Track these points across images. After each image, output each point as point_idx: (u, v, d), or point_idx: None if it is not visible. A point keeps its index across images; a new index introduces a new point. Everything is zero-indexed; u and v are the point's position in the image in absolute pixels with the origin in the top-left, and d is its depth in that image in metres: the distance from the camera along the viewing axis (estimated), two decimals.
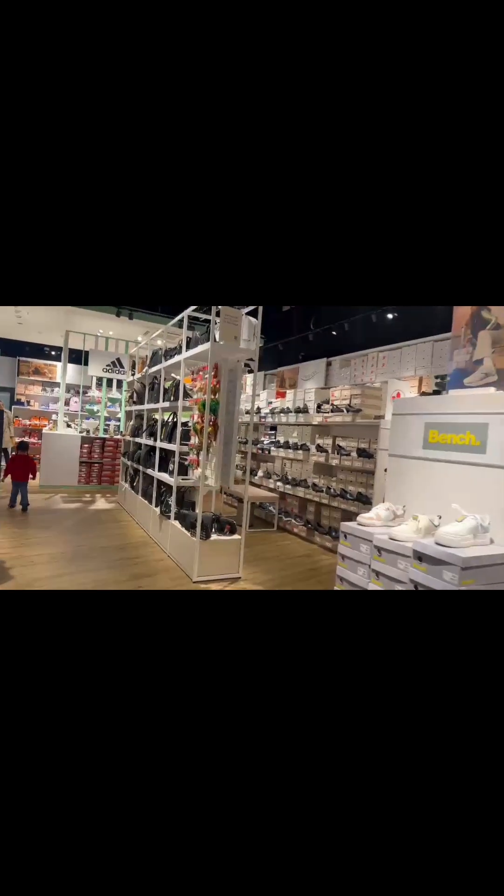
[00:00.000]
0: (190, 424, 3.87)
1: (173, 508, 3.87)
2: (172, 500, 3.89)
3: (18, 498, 5.10)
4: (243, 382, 4.67)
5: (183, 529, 3.59)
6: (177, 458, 3.83)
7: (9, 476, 5.07)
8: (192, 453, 3.78)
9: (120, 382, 8.39)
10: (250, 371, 3.47)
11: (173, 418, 4.43)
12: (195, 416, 3.69)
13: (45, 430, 7.53)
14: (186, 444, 3.86)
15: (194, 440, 3.70)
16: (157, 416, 5.90)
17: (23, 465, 5.07)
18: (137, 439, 5.38)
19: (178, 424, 3.85)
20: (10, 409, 9.81)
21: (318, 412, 4.81)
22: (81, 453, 7.29)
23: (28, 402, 10.38)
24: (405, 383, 4.12)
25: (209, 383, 3.27)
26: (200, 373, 3.60)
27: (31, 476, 5.11)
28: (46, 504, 5.77)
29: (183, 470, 3.94)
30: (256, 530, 5.12)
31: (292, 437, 5.32)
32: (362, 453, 4.11)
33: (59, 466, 7.08)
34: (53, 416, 9.51)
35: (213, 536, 3.35)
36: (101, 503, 6.18)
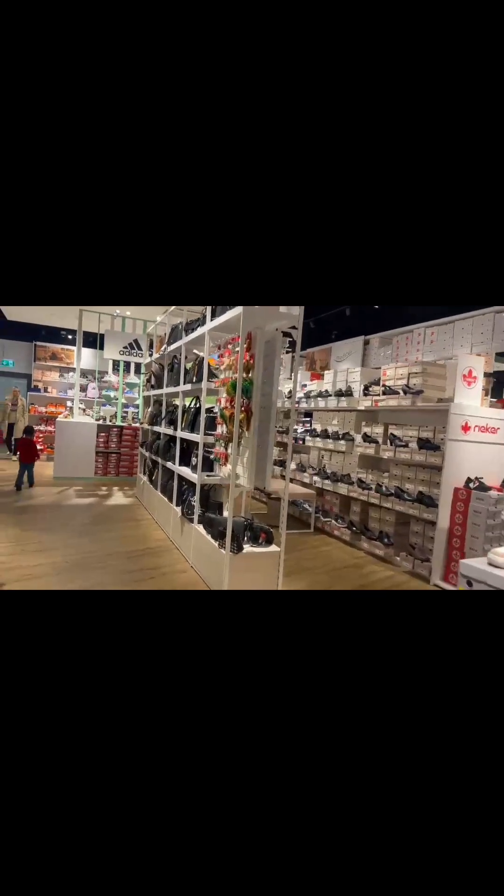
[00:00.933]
0: (216, 411, 3.23)
1: (197, 510, 3.25)
2: (196, 501, 3.27)
3: (25, 476, 5.61)
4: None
5: (209, 538, 2.97)
6: (200, 451, 3.20)
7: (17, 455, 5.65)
8: (218, 445, 3.14)
9: (138, 366, 7.81)
10: (292, 343, 2.78)
11: (196, 403, 3.79)
12: (222, 401, 3.03)
13: (59, 419, 7.03)
14: (212, 434, 3.22)
15: (221, 429, 3.05)
16: (177, 402, 5.29)
17: (26, 448, 5.65)
18: (156, 428, 4.78)
19: (202, 411, 3.21)
20: (27, 396, 9.40)
21: (365, 395, 4.08)
22: (98, 443, 6.77)
23: (45, 389, 9.95)
24: (479, 359, 3.35)
25: (240, 358, 2.60)
26: (229, 347, 2.94)
27: (36, 457, 5.77)
28: (58, 498, 5.27)
29: (208, 465, 3.31)
30: (290, 532, 4.47)
31: (332, 425, 4.61)
32: (425, 444, 3.38)
33: (75, 457, 6.58)
34: (69, 403, 9.05)
35: (246, 548, 2.72)
36: (117, 497, 5.65)
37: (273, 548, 2.82)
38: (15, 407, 7.47)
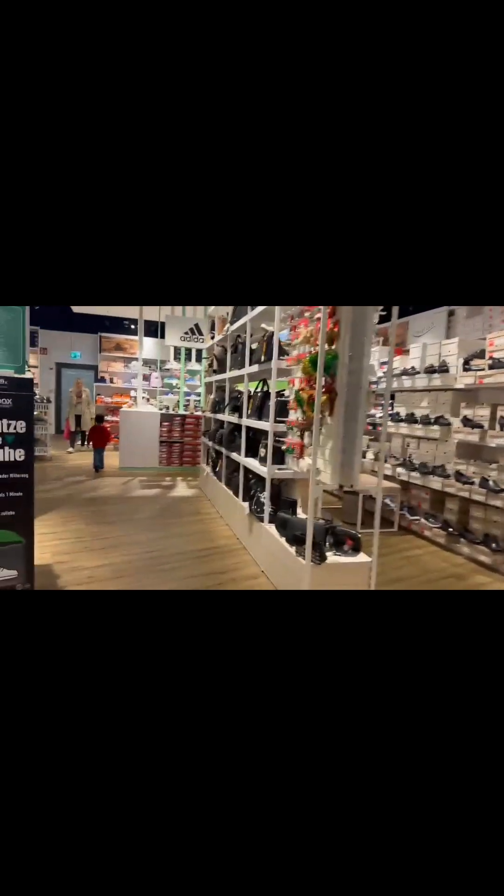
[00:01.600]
0: (287, 394, 2.77)
1: (267, 508, 2.85)
2: (266, 497, 2.86)
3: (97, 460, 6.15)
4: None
5: (283, 542, 2.55)
6: (270, 441, 2.77)
7: (91, 443, 6.57)
8: (291, 434, 2.70)
9: (199, 352, 7.55)
10: (387, 310, 2.24)
11: (263, 387, 3.36)
12: (297, 382, 2.58)
13: (123, 409, 6.98)
14: (283, 421, 2.77)
15: (296, 415, 2.60)
16: (241, 387, 4.90)
17: (98, 434, 6.30)
18: (219, 416, 4.43)
19: (272, 395, 2.77)
20: (93, 387, 9.57)
21: (465, 370, 3.40)
22: (161, 432, 6.62)
23: (110, 380, 10.09)
24: None
25: (322, 326, 2.11)
26: (306, 315, 2.46)
27: (107, 441, 6.34)
28: (123, 490, 5.15)
29: (278, 456, 2.88)
30: (369, 530, 3.94)
31: (420, 408, 3.97)
32: None
33: (139, 447, 6.48)
34: (133, 393, 9.05)
35: (329, 556, 2.27)
36: (181, 488, 5.43)
37: (362, 557, 2.34)
38: (80, 399, 7.54)
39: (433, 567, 3.14)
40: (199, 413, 6.90)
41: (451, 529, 3.45)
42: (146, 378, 8.67)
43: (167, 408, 6.93)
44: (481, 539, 3.17)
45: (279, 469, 2.83)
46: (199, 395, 7.46)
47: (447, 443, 3.58)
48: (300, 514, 2.85)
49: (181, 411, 6.99)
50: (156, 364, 9.21)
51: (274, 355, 2.73)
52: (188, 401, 7.27)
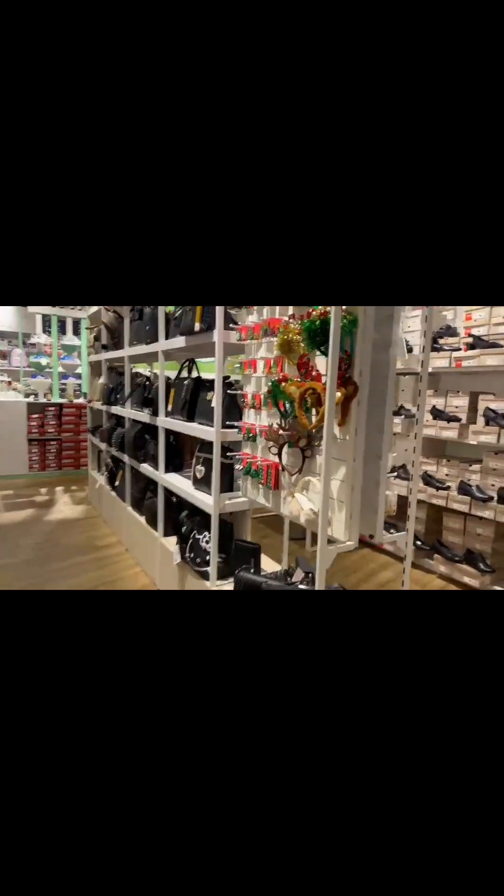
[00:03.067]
0: (242, 382, 1.80)
1: (214, 560, 1.87)
2: (212, 544, 1.88)
3: None
4: None
5: None
6: (217, 458, 1.78)
7: None
8: (250, 446, 1.75)
9: (77, 322, 5.98)
10: None
11: (191, 372, 2.31)
12: (259, 365, 1.62)
13: None
14: (234, 426, 1.80)
15: (263, 418, 1.64)
16: (140, 369, 3.72)
17: None
18: (116, 409, 3.23)
19: (219, 384, 1.76)
20: None
21: (435, 350, 2.79)
22: (30, 427, 5.05)
23: None
24: None
25: None
26: None
27: None
28: None
29: (227, 478, 1.91)
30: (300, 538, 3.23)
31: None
32: None
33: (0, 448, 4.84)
34: None
35: None
36: (64, 505, 4.08)
37: None
38: None
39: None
40: (82, 402, 5.44)
41: (419, 543, 2.89)
42: (4, 356, 6.74)
43: (36, 394, 5.32)
44: (462, 556, 2.65)
45: (230, 500, 1.87)
46: (79, 376, 5.94)
47: (408, 438, 2.98)
48: (265, 567, 1.94)
49: (56, 399, 5.44)
50: (17, 338, 7.25)
51: (217, 323, 1.71)
52: (64, 385, 5.73)
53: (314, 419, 1.33)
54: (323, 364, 1.33)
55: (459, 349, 2.64)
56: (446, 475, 2.76)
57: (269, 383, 1.46)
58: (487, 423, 2.51)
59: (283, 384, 1.39)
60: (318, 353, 1.31)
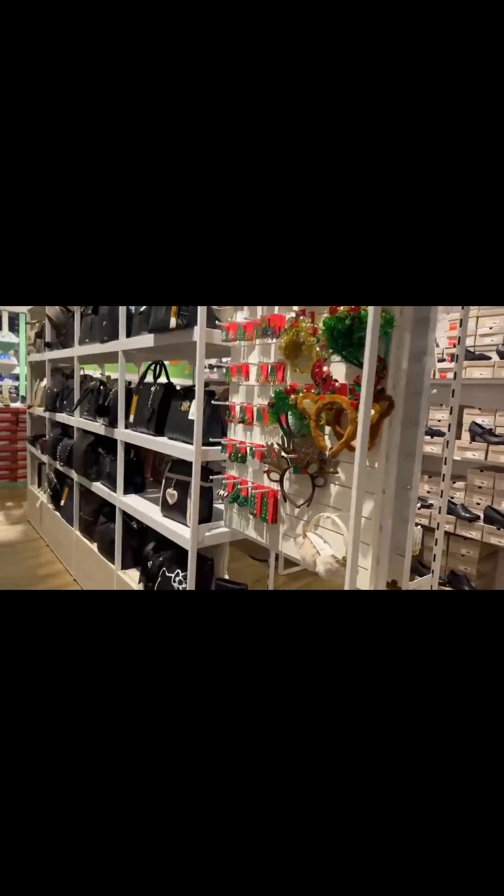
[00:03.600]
0: (232, 398, 1.51)
1: None
2: (189, 586, 1.55)
3: None
4: None
5: None
6: (195, 481, 1.46)
7: None
8: (236, 466, 1.46)
9: (15, 318, 5.36)
10: None
11: (158, 376, 1.98)
12: (253, 371, 1.34)
13: None
14: (219, 444, 1.51)
15: (261, 436, 1.36)
16: (90, 370, 3.29)
17: None
18: (62, 417, 2.80)
19: (200, 391, 1.44)
20: None
21: None
22: None
23: None
24: None
25: None
26: None
27: None
28: None
29: (207, 506, 1.60)
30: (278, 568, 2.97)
31: None
32: None
33: None
34: None
35: None
36: None
37: None
38: None
39: None
40: (20, 406, 4.84)
41: None
42: None
43: None
44: (446, 578, 2.51)
45: (211, 532, 1.56)
46: (17, 377, 5.31)
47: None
48: None
49: None
50: None
51: (200, 319, 1.40)
52: None
53: (326, 439, 1.07)
54: (342, 373, 1.08)
55: (444, 360, 2.52)
56: (428, 492, 2.62)
57: (273, 394, 1.18)
58: (473, 440, 2.39)
59: (293, 396, 1.12)
60: (337, 359, 1.05)
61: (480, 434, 2.36)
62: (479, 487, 2.40)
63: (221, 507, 1.69)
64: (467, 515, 2.37)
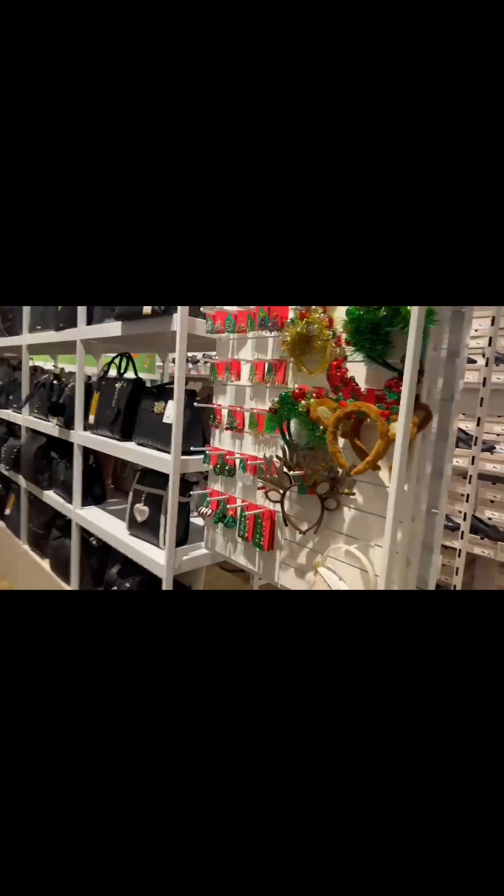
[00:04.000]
0: (218, 400, 1.30)
1: None
2: None
3: None
4: None
5: None
6: (173, 497, 1.23)
7: None
8: (215, 479, 1.25)
9: None
10: None
11: (124, 369, 1.73)
12: (246, 369, 1.13)
13: None
14: (201, 453, 1.28)
15: (239, 445, 1.15)
16: (50, 365, 2.95)
17: None
18: (7, 414, 2.44)
19: (179, 390, 1.21)
20: None
21: None
22: None
23: None
24: None
25: None
26: None
27: None
28: None
29: (184, 523, 1.38)
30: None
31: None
32: None
33: None
34: None
35: None
36: None
37: None
38: None
39: None
40: None
41: None
42: None
43: None
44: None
45: (189, 556, 1.33)
46: None
47: None
48: None
49: None
50: None
51: (181, 307, 1.17)
52: None
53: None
54: (360, 375, 0.89)
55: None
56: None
57: (278, 398, 0.98)
58: (457, 446, 2.31)
59: (303, 402, 0.92)
60: (357, 357, 0.87)
61: (465, 440, 2.28)
62: (462, 495, 2.33)
63: (198, 521, 1.47)
64: (449, 525, 2.29)
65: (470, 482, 2.10)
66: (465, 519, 2.02)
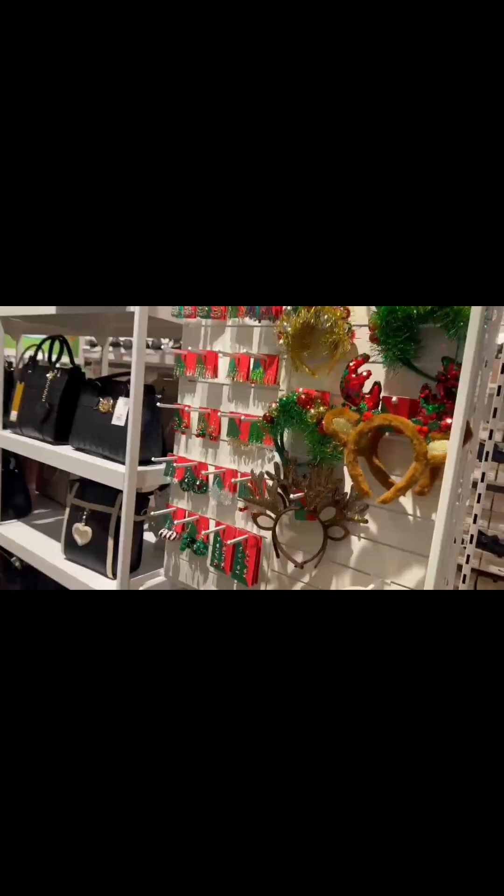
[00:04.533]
0: (184, 400, 1.07)
1: None
2: None
3: None
4: None
5: None
6: (127, 517, 1.00)
7: None
8: (195, 498, 1.03)
9: None
10: None
11: (57, 355, 1.41)
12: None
13: None
14: (162, 463, 1.06)
15: (213, 456, 0.95)
16: None
17: None
18: None
19: (135, 389, 0.97)
20: None
21: None
22: None
23: None
24: None
25: None
26: None
27: None
28: None
29: (136, 546, 1.14)
30: None
31: None
32: None
33: None
34: None
35: None
36: None
37: None
38: None
39: None
40: None
41: None
42: None
43: None
44: None
45: (146, 586, 1.10)
46: None
47: None
48: None
49: None
50: None
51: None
52: None
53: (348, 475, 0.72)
54: (380, 379, 0.74)
55: None
56: None
57: (277, 402, 0.78)
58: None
59: (312, 410, 0.74)
60: (380, 359, 0.71)
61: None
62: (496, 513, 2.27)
63: (149, 537, 1.25)
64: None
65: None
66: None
